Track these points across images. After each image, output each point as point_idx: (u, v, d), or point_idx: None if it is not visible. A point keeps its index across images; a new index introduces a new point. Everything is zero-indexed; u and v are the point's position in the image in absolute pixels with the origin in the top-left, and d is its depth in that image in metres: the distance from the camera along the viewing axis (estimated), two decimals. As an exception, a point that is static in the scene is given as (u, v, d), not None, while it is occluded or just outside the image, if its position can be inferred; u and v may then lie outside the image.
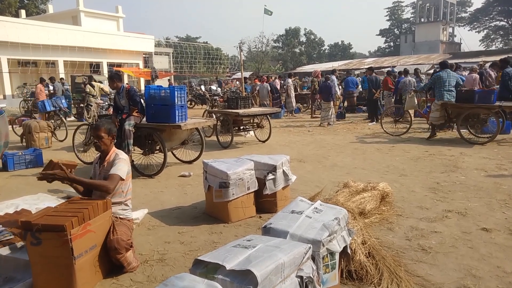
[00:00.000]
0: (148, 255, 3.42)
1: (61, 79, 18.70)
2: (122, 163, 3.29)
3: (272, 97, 15.77)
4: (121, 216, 3.30)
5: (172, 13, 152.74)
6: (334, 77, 13.84)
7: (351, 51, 64.40)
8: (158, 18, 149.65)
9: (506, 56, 22.25)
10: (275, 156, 4.59)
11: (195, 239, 3.75)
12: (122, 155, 3.41)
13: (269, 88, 16.02)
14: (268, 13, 21.38)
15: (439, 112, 8.57)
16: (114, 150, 3.46)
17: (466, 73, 11.63)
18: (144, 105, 6.42)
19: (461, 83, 9.05)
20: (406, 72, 12.86)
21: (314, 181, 5.63)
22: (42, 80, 14.89)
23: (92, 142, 3.45)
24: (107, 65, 26.65)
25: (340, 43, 64.51)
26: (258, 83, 16.50)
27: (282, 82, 17.79)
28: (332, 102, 12.09)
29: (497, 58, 14.93)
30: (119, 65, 26.82)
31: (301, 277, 2.15)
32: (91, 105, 13.01)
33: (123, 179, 3.24)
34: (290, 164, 4.72)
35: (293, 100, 15.74)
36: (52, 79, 15.60)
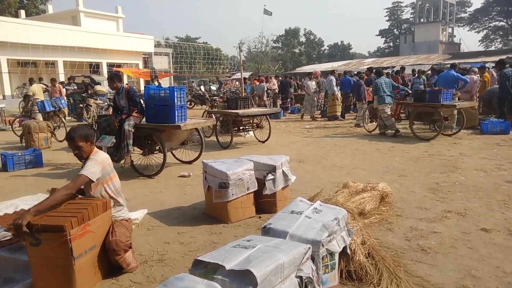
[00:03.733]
0: (148, 256, 3.42)
1: (62, 82, 18.63)
2: (92, 164, 3.08)
3: (281, 97, 15.69)
4: (118, 218, 3.27)
5: (172, 13, 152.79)
6: (332, 77, 13.77)
7: (350, 51, 64.43)
8: (157, 18, 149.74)
9: (505, 56, 22.31)
10: (274, 156, 4.59)
11: (195, 239, 3.75)
12: (96, 156, 3.19)
13: (265, 88, 16.01)
14: (268, 14, 21.42)
15: (386, 114, 9.56)
16: (93, 152, 3.24)
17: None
18: (143, 105, 6.43)
19: (399, 86, 10.16)
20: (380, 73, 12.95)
21: (314, 182, 5.63)
22: (53, 80, 14.94)
23: (74, 154, 3.22)
24: (107, 65, 26.63)
25: (339, 43, 64.58)
26: (257, 83, 16.51)
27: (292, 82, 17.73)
28: (363, 102, 11.93)
29: (497, 58, 14.97)
30: (119, 65, 26.80)
31: (300, 278, 2.15)
32: (91, 106, 13.04)
33: (93, 181, 3.05)
34: (290, 164, 4.72)
35: (314, 102, 14.27)
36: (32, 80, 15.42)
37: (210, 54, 42.79)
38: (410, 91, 9.95)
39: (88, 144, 3.20)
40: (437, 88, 9.64)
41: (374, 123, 10.78)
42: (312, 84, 14.01)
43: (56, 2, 50.80)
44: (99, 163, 3.13)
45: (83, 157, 3.23)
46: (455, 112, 9.65)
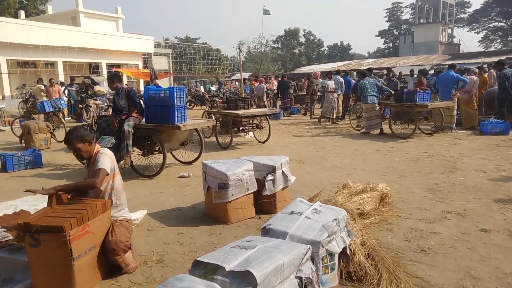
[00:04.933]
0: (147, 256, 3.42)
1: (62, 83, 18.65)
2: (105, 158, 3.19)
3: (280, 97, 15.58)
4: (119, 218, 3.27)
5: (172, 14, 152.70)
6: (340, 78, 13.61)
7: (350, 52, 64.40)
8: (157, 19, 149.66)
9: (505, 57, 22.36)
10: (274, 157, 4.59)
11: (195, 240, 3.75)
12: (105, 150, 3.31)
13: (265, 89, 15.94)
14: (266, 13, 21.49)
15: (369, 113, 10.09)
16: (97, 149, 3.34)
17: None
18: (143, 106, 6.42)
19: (383, 86, 10.49)
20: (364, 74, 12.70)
21: (314, 182, 5.63)
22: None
23: (74, 155, 3.30)
24: (107, 66, 26.62)
25: (339, 44, 64.57)
26: (256, 84, 16.49)
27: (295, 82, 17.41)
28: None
29: (496, 59, 14.98)
30: (119, 66, 26.79)
31: (300, 278, 2.15)
32: (90, 106, 13.04)
33: (108, 174, 3.17)
34: (290, 165, 4.72)
35: (333, 104, 12.74)
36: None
37: (210, 55, 42.79)
38: (392, 92, 10.29)
39: (86, 144, 3.24)
40: (413, 88, 10.18)
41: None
42: (332, 84, 12.94)
43: (55, 3, 51.09)
44: (109, 157, 3.23)
45: (84, 157, 3.32)
46: (454, 112, 9.71)
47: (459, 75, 9.73)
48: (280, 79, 18.34)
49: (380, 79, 13.62)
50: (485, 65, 15.05)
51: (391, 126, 9.79)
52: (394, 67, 28.61)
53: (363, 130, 10.50)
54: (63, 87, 16.33)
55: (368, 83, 10.13)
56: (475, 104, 10.35)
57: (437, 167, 6.34)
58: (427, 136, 9.59)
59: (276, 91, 17.13)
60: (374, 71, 14.52)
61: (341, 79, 13.27)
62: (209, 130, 10.03)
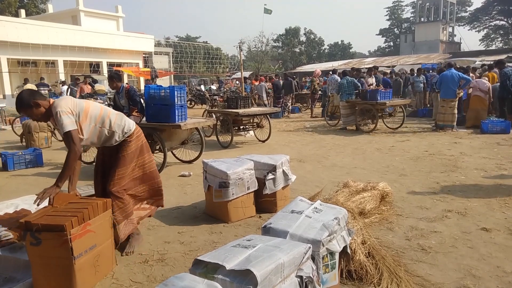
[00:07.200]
0: (148, 255, 3.42)
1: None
2: (63, 117, 2.95)
3: (275, 96, 15.52)
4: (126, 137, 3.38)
5: (172, 12, 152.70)
6: (337, 77, 13.54)
7: (351, 50, 64.26)
8: (158, 18, 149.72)
9: (506, 55, 22.30)
10: (275, 156, 4.59)
11: (195, 239, 3.75)
12: (58, 106, 3.00)
13: (266, 88, 15.87)
14: (268, 12, 21.44)
15: (345, 110, 10.92)
16: (49, 105, 3.04)
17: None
18: (143, 105, 6.42)
19: (359, 85, 10.97)
20: (345, 73, 12.30)
21: (314, 181, 5.63)
22: (85, 77, 15.41)
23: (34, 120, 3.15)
24: (107, 64, 26.63)
25: (340, 42, 64.41)
26: (256, 83, 16.44)
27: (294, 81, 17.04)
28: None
29: (497, 57, 14.96)
30: (119, 64, 26.79)
31: (301, 277, 2.15)
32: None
33: (76, 128, 3.02)
34: (290, 164, 4.72)
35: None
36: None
37: (210, 54, 42.71)
38: (360, 90, 10.89)
39: (35, 108, 3.01)
40: (378, 88, 10.80)
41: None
42: (372, 81, 12.47)
43: (56, 2, 51.04)
44: (66, 112, 3.01)
45: (42, 119, 3.16)
46: (455, 111, 9.70)
47: (462, 74, 9.73)
48: (287, 78, 17.41)
49: (384, 77, 13.62)
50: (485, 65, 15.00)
51: (357, 122, 10.69)
52: (394, 66, 28.61)
53: (342, 125, 11.24)
54: (65, 86, 16.32)
55: (346, 82, 10.85)
56: (487, 102, 10.30)
57: (437, 166, 6.33)
58: (428, 134, 9.59)
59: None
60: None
61: (338, 78, 13.15)
62: (210, 129, 10.03)
